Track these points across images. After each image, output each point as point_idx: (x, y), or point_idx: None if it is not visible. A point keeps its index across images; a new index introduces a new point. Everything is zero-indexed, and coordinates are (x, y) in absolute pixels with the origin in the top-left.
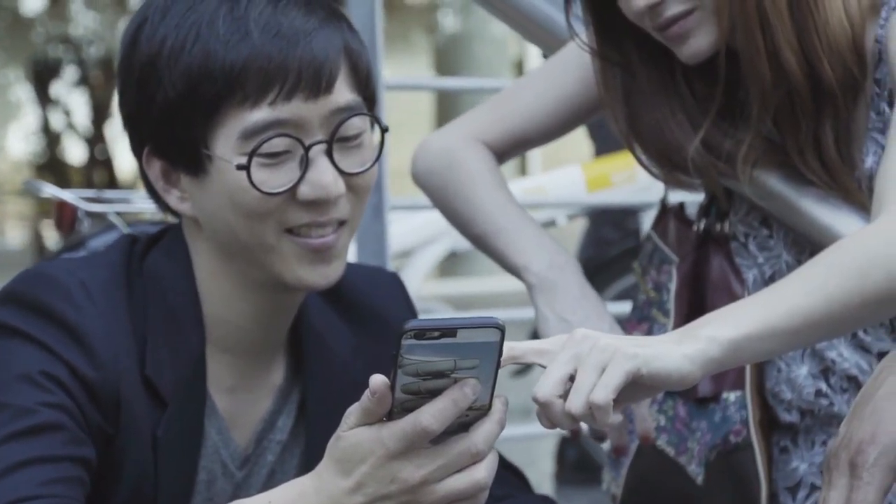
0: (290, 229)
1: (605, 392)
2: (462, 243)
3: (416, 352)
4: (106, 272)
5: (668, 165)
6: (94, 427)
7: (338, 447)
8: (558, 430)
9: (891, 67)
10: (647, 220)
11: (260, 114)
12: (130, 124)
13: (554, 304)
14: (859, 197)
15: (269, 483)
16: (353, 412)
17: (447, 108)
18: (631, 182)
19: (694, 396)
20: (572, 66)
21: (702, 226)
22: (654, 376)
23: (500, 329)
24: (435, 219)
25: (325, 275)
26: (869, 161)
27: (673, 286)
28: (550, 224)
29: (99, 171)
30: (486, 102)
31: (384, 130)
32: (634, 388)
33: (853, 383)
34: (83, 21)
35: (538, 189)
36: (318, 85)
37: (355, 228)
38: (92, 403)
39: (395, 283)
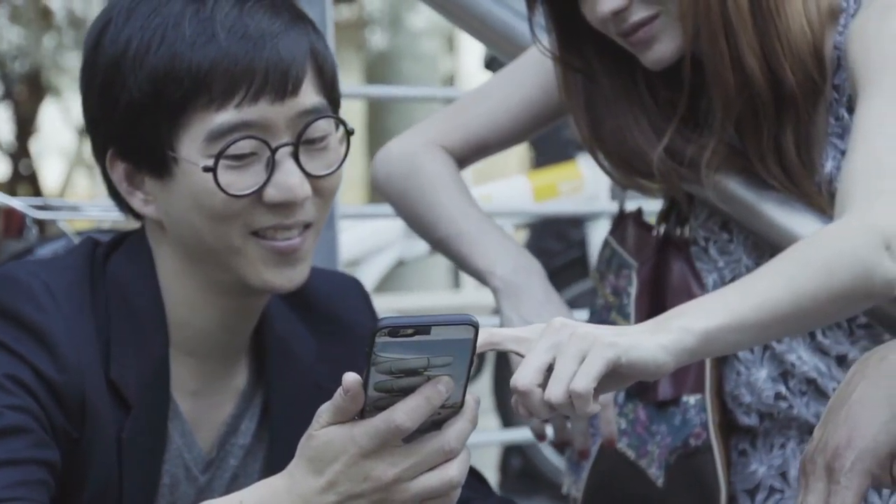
0: (255, 232)
1: (585, 380)
2: (409, 252)
3: (390, 349)
4: (69, 275)
5: (630, 171)
6: (58, 430)
7: (309, 446)
8: (501, 439)
9: (850, 73)
10: (591, 231)
11: (226, 115)
12: (94, 127)
13: (519, 308)
14: (819, 201)
15: (232, 487)
16: (325, 411)
17: (377, 122)
18: (577, 192)
19: (654, 400)
20: (532, 72)
21: (662, 231)
22: (632, 366)
23: (474, 326)
24: (383, 228)
25: (290, 277)
26: (829, 166)
27: (633, 290)
28: None
29: (23, 185)
30: (446, 108)
31: (350, 133)
32: (610, 377)
33: (812, 386)
34: (7, 35)
35: (485, 198)
36: (285, 87)
37: (320, 231)
38: (57, 406)
39: (356, 289)
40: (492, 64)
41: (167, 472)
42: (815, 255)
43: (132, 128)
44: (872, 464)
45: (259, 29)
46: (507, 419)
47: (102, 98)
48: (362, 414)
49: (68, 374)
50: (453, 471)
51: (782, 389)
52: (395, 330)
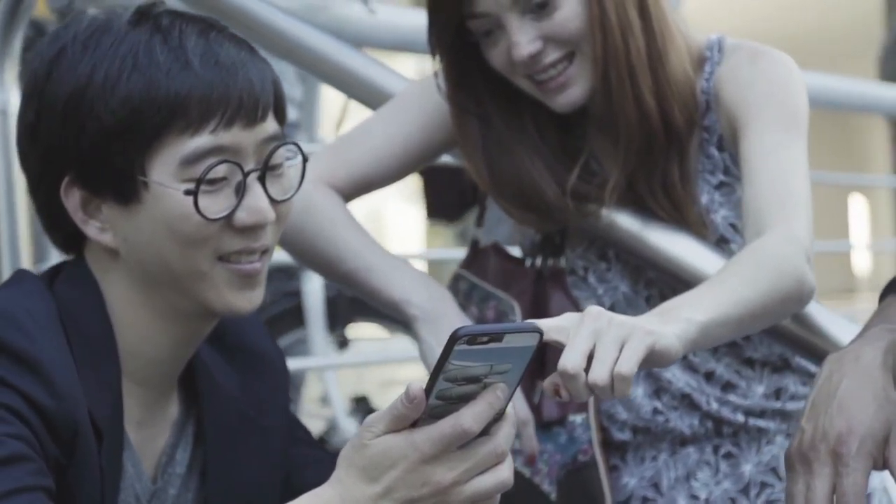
0: (221, 256)
1: (629, 364)
2: None
3: (461, 357)
4: (40, 302)
5: (527, 209)
6: (50, 457)
7: (364, 455)
8: None
9: (724, 114)
10: (307, 282)
11: (201, 140)
12: (49, 157)
13: (439, 335)
14: (702, 229)
15: None
16: (379, 420)
17: None
18: None
19: (539, 421)
20: (413, 111)
21: (538, 262)
22: (660, 352)
23: (540, 334)
24: None
25: (251, 300)
26: (704, 198)
27: (517, 320)
28: None
29: None
30: (331, 146)
31: (305, 160)
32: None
33: (686, 400)
34: None
35: None
36: (256, 113)
37: (272, 256)
38: (48, 433)
39: (256, 318)
40: None
41: (122, 501)
42: (765, 261)
43: (99, 154)
44: (872, 447)
45: (229, 57)
46: None
47: (63, 127)
48: (416, 422)
49: (59, 399)
50: (505, 472)
51: (658, 405)
52: (474, 338)
